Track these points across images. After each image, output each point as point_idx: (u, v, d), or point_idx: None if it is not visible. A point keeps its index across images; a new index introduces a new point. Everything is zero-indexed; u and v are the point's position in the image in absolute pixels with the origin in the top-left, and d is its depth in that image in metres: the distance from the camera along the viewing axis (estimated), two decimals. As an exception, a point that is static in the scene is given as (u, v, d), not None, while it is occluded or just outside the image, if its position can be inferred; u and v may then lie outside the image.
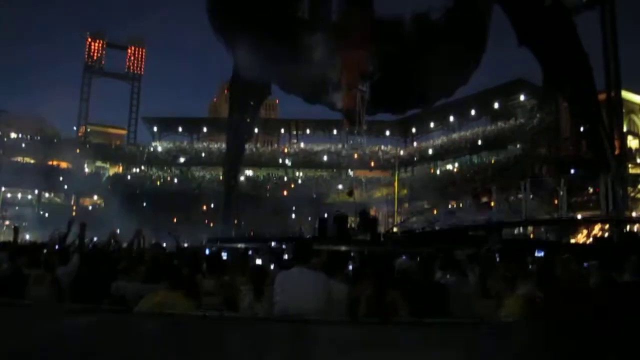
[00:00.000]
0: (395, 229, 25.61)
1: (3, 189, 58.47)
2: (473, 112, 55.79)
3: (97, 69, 73.41)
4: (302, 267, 4.93)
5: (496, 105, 52.71)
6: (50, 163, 61.82)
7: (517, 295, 4.96)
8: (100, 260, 6.93)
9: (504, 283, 5.55)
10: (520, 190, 19.65)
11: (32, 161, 60.79)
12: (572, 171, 30.59)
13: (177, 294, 4.31)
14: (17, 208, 58.83)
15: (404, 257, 8.44)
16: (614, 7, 45.43)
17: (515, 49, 27.66)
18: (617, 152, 38.54)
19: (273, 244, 18.33)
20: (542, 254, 11.34)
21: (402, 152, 63.47)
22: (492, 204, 22.14)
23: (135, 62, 75.81)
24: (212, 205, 47.15)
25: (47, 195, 61.54)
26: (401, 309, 4.98)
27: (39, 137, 63.43)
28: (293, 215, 49.04)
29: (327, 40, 24.57)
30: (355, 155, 60.19)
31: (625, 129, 46.02)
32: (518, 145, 48.75)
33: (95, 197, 62.15)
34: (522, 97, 50.67)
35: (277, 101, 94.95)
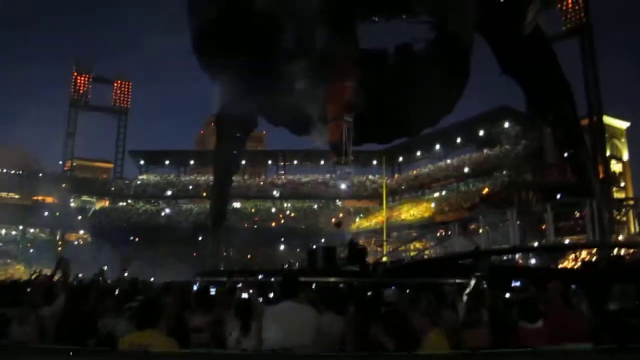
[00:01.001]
0: (384, 259, 25.57)
1: (-15, 225, 57.88)
2: (459, 140, 56.28)
3: (83, 103, 73.63)
4: (290, 301, 4.91)
5: (481, 133, 53.24)
6: (35, 198, 61.39)
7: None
8: (86, 297, 6.85)
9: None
10: (508, 217, 19.74)
11: (16, 196, 60.32)
12: (558, 196, 30.80)
13: (156, 332, 4.22)
14: (0, 244, 58.14)
15: (392, 288, 8.44)
16: (592, 35, 46.53)
17: (499, 77, 28.11)
18: (601, 176, 38.97)
19: (260, 277, 18.20)
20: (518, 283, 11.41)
21: (389, 181, 63.71)
22: (480, 231, 22.17)
23: (122, 95, 76.10)
24: (200, 238, 46.82)
25: (32, 230, 60.87)
26: (386, 343, 4.95)
27: (23, 172, 63.03)
28: (282, 247, 48.88)
29: (311, 71, 24.77)
30: (343, 186, 60.37)
31: (608, 154, 46.70)
32: (504, 172, 49.09)
33: (82, 232, 61.59)
34: (506, 124, 51.19)
35: (264, 133, 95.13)
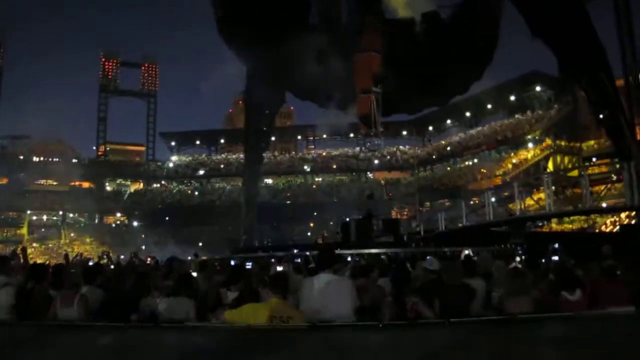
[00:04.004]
0: (418, 229, 25.50)
1: (29, 212, 59.37)
2: (489, 107, 55.36)
3: (112, 87, 74.47)
4: (328, 273, 4.92)
5: (512, 98, 52.28)
6: (72, 183, 62.62)
7: None
8: (126, 277, 7.02)
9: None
10: (542, 183, 19.43)
11: (54, 183, 61.63)
12: (594, 160, 30.24)
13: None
14: (42, 230, 59.73)
15: (429, 258, 8.39)
16: (627, -9, 44.97)
17: (530, 40, 27.43)
18: (638, 138, 38.00)
19: (295, 251, 18.33)
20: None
21: (420, 152, 63.28)
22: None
23: (150, 79, 76.88)
24: (233, 216, 47.31)
25: (71, 215, 62.29)
26: (425, 312, 4.96)
27: (60, 159, 64.27)
28: (314, 221, 49.11)
29: (338, 44, 24.56)
30: (374, 158, 60.18)
31: (645, 114, 45.41)
32: (536, 138, 48.28)
33: (118, 214, 62.82)
34: (538, 89, 50.17)
35: (292, 108, 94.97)
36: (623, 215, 27.50)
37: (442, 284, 5.70)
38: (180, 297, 5.56)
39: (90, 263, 12.02)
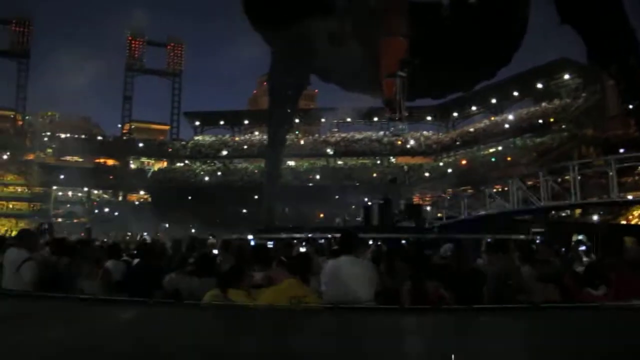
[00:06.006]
0: (440, 215, 25.38)
1: (54, 188, 60.28)
2: (515, 94, 54.68)
3: (138, 66, 75.07)
4: (350, 256, 4.89)
5: (539, 86, 51.46)
6: (97, 161, 63.36)
7: None
8: (150, 254, 7.10)
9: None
10: (568, 173, 19.15)
11: (80, 160, 62.41)
12: (621, 151, 29.65)
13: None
14: (68, 206, 60.68)
15: (447, 245, 8.37)
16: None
17: (558, 27, 26.94)
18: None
19: (316, 234, 18.38)
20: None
21: (444, 137, 62.79)
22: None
23: (175, 58, 77.38)
24: (255, 197, 47.52)
25: (95, 192, 63.12)
26: (447, 296, 4.95)
27: (85, 137, 65.02)
28: (336, 204, 49.11)
29: (364, 27, 24.39)
30: (397, 142, 59.88)
31: (676, 105, 44.39)
32: (563, 126, 47.57)
33: (142, 193, 63.50)
34: (566, 77, 49.30)
35: (316, 91, 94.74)
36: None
37: (451, 270, 5.72)
38: (204, 276, 5.58)
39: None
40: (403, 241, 14.93)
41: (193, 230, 38.76)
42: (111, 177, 61.71)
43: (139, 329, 2.91)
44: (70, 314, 3.19)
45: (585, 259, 8.38)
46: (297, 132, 65.24)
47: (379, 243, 12.95)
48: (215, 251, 8.74)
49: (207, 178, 62.75)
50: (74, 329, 2.83)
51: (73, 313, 3.22)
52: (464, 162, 56.20)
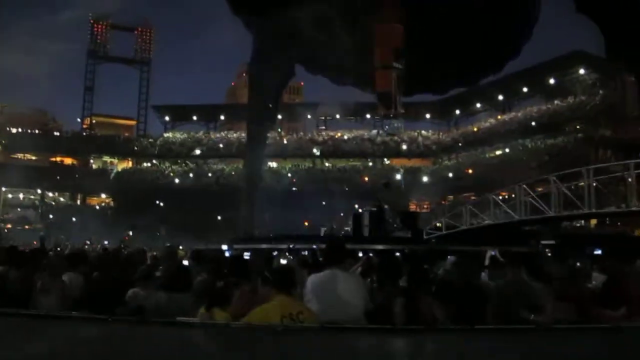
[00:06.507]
0: (439, 225, 25.48)
1: (4, 189, 59.64)
2: (525, 90, 54.98)
3: (102, 53, 74.45)
4: (336, 269, 4.88)
5: (551, 81, 51.80)
6: (53, 159, 62.88)
7: None
8: (112, 266, 7.07)
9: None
10: (582, 178, 19.30)
11: (33, 157, 61.87)
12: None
13: None
14: (19, 210, 60.09)
15: (450, 258, 8.44)
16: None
17: (573, 17, 27.16)
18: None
19: (299, 245, 18.37)
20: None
21: (444, 137, 63.02)
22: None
23: (144, 45, 76.78)
24: (232, 202, 47.44)
25: (50, 194, 62.59)
26: (438, 315, 4.98)
27: (40, 132, 64.48)
28: (322, 211, 49.11)
29: (356, 13, 24.47)
30: (392, 142, 59.97)
31: (701, 104, 44.90)
32: (578, 126, 47.94)
33: (104, 196, 63.08)
34: (581, 72, 49.69)
35: (302, 84, 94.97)
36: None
37: (452, 286, 5.76)
38: (174, 291, 5.54)
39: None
40: (397, 253, 14.96)
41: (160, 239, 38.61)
42: (69, 177, 61.22)
43: (99, 349, 2.90)
44: (22, 332, 3.18)
45: (595, 274, 8.43)
46: (280, 130, 65.22)
47: (370, 255, 12.96)
48: (186, 262, 8.70)
49: (177, 180, 62.42)
50: (27, 349, 2.81)
51: (26, 331, 3.20)
52: (466, 165, 56.39)
